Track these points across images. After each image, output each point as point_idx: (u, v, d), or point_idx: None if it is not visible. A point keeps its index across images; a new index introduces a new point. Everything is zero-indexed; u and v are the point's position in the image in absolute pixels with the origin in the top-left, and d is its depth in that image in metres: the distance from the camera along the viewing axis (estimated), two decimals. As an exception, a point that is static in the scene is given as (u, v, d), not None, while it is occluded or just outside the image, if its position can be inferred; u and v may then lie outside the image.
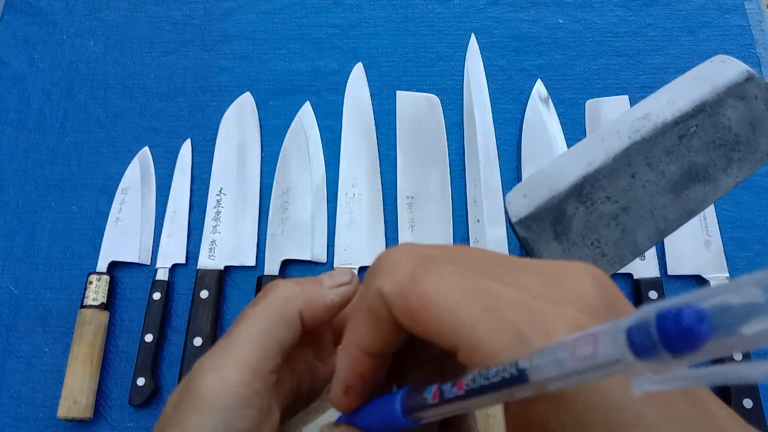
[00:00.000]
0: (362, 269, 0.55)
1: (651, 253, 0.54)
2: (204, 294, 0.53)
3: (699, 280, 0.55)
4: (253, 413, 0.21)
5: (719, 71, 0.31)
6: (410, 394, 0.19)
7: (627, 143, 0.29)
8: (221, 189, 0.59)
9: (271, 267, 0.55)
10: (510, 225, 0.28)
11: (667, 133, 0.29)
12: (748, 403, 0.48)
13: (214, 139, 0.61)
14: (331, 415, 0.23)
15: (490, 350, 0.16)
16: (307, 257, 0.56)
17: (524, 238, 0.28)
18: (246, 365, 0.21)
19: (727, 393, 0.49)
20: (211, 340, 0.52)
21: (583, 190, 0.28)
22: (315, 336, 0.26)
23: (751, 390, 0.48)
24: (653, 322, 0.12)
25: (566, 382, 0.14)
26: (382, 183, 0.59)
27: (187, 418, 0.21)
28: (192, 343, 0.51)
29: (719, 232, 0.56)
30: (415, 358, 0.22)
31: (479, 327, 0.16)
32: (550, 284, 0.18)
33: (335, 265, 0.55)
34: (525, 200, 0.28)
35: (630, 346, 0.12)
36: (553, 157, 0.58)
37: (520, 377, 0.14)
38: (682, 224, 0.29)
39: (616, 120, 0.30)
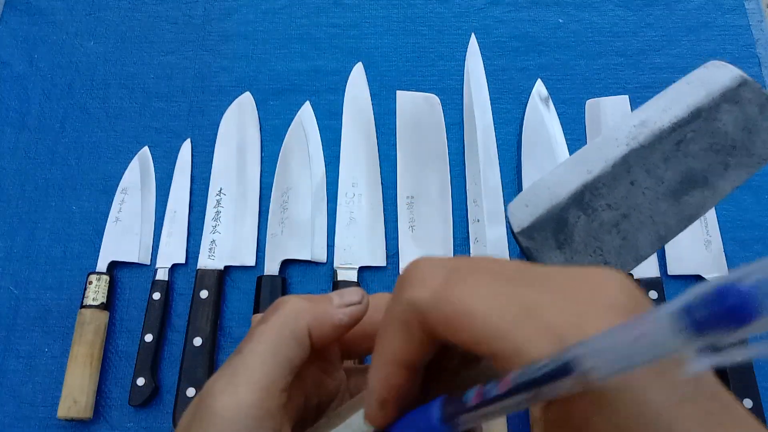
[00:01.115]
0: (362, 269, 0.55)
1: (651, 253, 0.55)
2: (204, 294, 0.53)
3: (699, 280, 0.55)
4: None
5: (713, 76, 0.31)
6: (448, 402, 0.19)
7: (625, 150, 0.29)
8: (221, 189, 0.59)
9: (271, 267, 0.55)
10: (512, 235, 0.28)
11: (665, 139, 0.29)
12: (748, 403, 0.48)
13: (214, 139, 0.61)
14: (342, 430, 0.23)
15: (531, 355, 0.16)
16: (307, 257, 0.56)
17: (527, 248, 0.28)
18: (258, 385, 0.21)
19: (727, 393, 0.49)
20: (211, 340, 0.52)
21: (583, 198, 0.29)
22: (322, 352, 0.26)
23: (751, 390, 0.48)
24: (710, 295, 0.12)
25: (618, 367, 0.14)
26: (382, 183, 0.59)
27: None
28: (192, 343, 0.51)
29: (719, 232, 0.56)
30: (434, 370, 0.22)
31: (518, 332, 0.16)
32: (578, 289, 0.18)
33: (335, 265, 0.55)
34: (527, 210, 0.28)
35: (685, 323, 0.12)
36: (552, 158, 0.58)
37: (569, 367, 0.14)
38: (682, 229, 0.29)
39: (614, 127, 0.30)
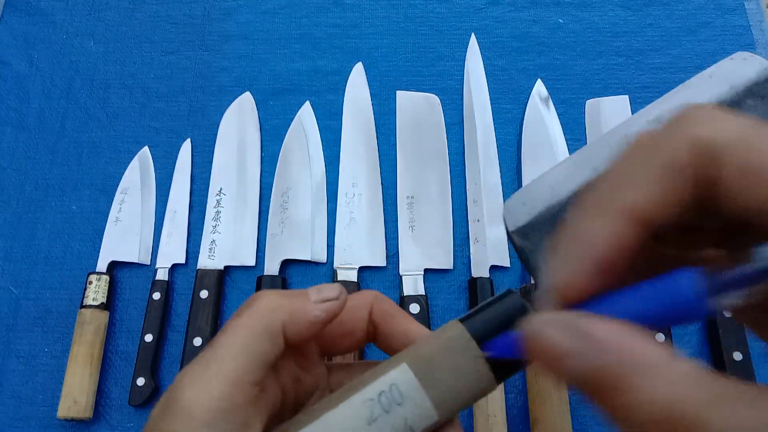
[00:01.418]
0: (362, 269, 0.55)
1: (651, 253, 0.54)
2: (204, 294, 0.53)
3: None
4: (233, 427, 0.21)
5: (739, 69, 0.29)
6: (711, 272, 0.16)
7: None
8: (221, 189, 0.59)
9: (271, 267, 0.55)
10: (507, 233, 0.27)
11: None
12: (748, 403, 0.48)
13: (214, 139, 0.61)
14: (317, 426, 0.23)
15: None
16: (307, 257, 0.56)
17: (521, 248, 0.27)
18: (227, 379, 0.21)
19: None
20: (211, 340, 0.52)
21: None
22: (300, 348, 0.25)
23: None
24: None
25: None
26: (382, 183, 0.59)
27: (169, 430, 0.20)
28: (192, 343, 0.51)
29: (719, 232, 0.56)
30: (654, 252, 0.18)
31: None
32: None
33: (335, 265, 0.55)
34: (524, 208, 0.27)
35: None
36: (552, 158, 0.58)
37: None
38: None
39: (625, 123, 0.29)
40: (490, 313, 0.24)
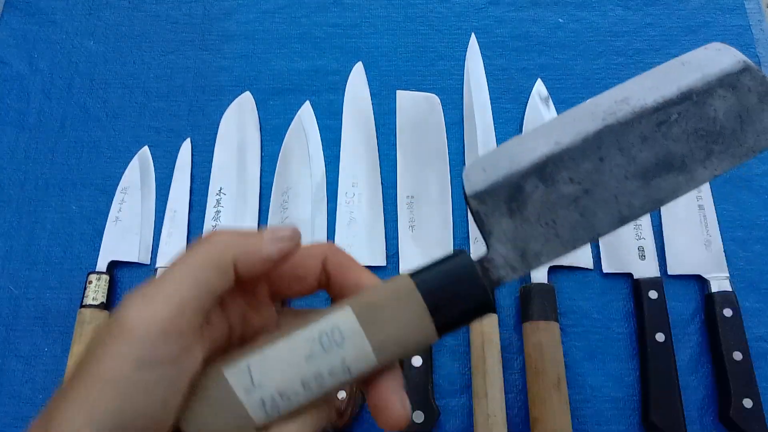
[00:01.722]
0: (362, 269, 0.55)
1: (651, 253, 0.54)
2: (204, 294, 0.53)
3: (699, 280, 0.55)
4: (173, 349, 0.21)
5: (712, 59, 0.30)
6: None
7: (600, 125, 0.28)
8: (221, 189, 0.59)
9: (271, 267, 0.55)
10: (464, 198, 0.27)
11: (646, 118, 0.28)
12: (748, 402, 0.48)
13: (214, 139, 0.61)
14: (257, 357, 0.24)
15: None
16: (307, 257, 0.56)
17: (476, 212, 0.27)
18: (172, 302, 0.22)
19: (727, 393, 0.49)
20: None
21: (545, 169, 0.27)
22: (250, 287, 0.26)
23: (751, 390, 0.49)
24: None
25: None
26: (382, 183, 0.59)
27: (107, 347, 0.21)
28: (192, 342, 0.51)
29: (719, 232, 0.56)
30: None
31: None
32: None
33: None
34: (483, 174, 0.27)
35: None
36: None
37: None
38: (647, 212, 0.27)
39: (593, 101, 0.29)
40: (438, 269, 0.25)
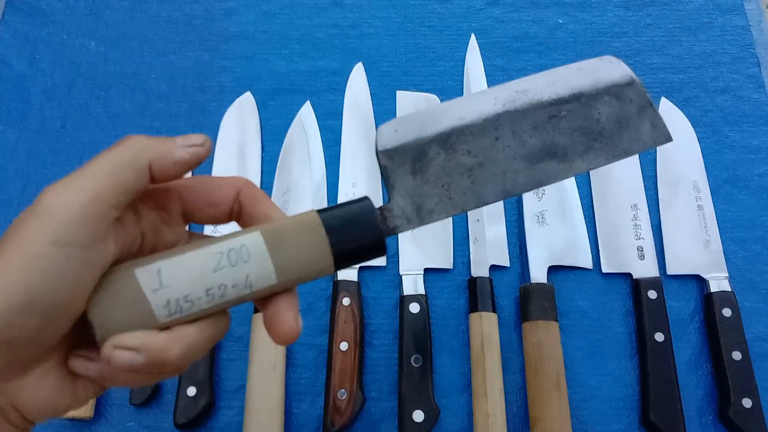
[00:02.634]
0: (362, 269, 0.55)
1: (650, 253, 0.55)
2: (204, 293, 0.53)
3: (698, 280, 0.55)
4: (87, 233, 0.23)
5: (605, 69, 0.33)
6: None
7: (500, 110, 0.31)
8: (222, 189, 0.59)
9: (272, 267, 0.55)
10: (376, 151, 0.31)
11: (540, 110, 0.31)
12: (747, 402, 0.48)
13: (215, 139, 0.61)
14: (167, 263, 0.25)
15: None
16: (307, 257, 0.56)
17: (384, 167, 0.30)
18: (88, 190, 0.23)
19: (726, 393, 0.49)
20: (212, 339, 0.52)
21: (449, 139, 0.31)
22: (164, 201, 0.28)
23: (751, 390, 0.49)
24: None
25: None
26: (382, 183, 0.59)
27: (26, 226, 0.23)
28: (192, 342, 0.51)
29: (719, 232, 0.56)
30: None
31: None
32: None
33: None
34: (395, 134, 0.31)
35: None
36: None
37: None
38: (528, 190, 0.31)
39: (498, 87, 0.32)
40: (343, 209, 0.28)
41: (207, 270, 0.25)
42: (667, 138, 0.32)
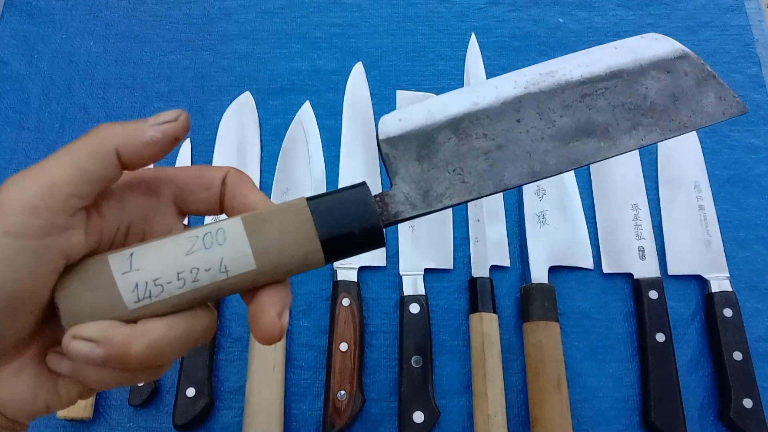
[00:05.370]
0: (362, 269, 0.55)
1: (651, 253, 0.54)
2: (204, 294, 0.53)
3: (699, 280, 0.54)
4: (40, 223, 0.22)
5: (648, 46, 0.32)
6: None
7: (521, 92, 0.30)
8: (221, 189, 0.59)
9: (271, 267, 0.55)
10: (377, 141, 0.29)
11: (570, 90, 0.30)
12: (748, 402, 0.48)
13: (214, 139, 0.61)
14: (141, 248, 0.24)
15: None
16: (306, 257, 0.55)
17: (385, 154, 0.29)
18: (42, 181, 0.23)
19: (727, 393, 0.49)
20: (211, 340, 0.52)
21: (460, 124, 0.29)
22: (154, 187, 0.27)
23: (751, 390, 0.49)
24: None
25: None
26: (382, 183, 0.59)
27: None
28: (192, 343, 0.51)
29: (719, 232, 0.56)
30: None
31: None
32: None
33: (335, 264, 0.55)
34: (399, 123, 0.29)
35: None
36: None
37: None
38: (562, 171, 0.29)
39: (517, 73, 0.31)
40: (335, 194, 0.26)
41: (179, 253, 0.24)
42: (741, 109, 0.30)
